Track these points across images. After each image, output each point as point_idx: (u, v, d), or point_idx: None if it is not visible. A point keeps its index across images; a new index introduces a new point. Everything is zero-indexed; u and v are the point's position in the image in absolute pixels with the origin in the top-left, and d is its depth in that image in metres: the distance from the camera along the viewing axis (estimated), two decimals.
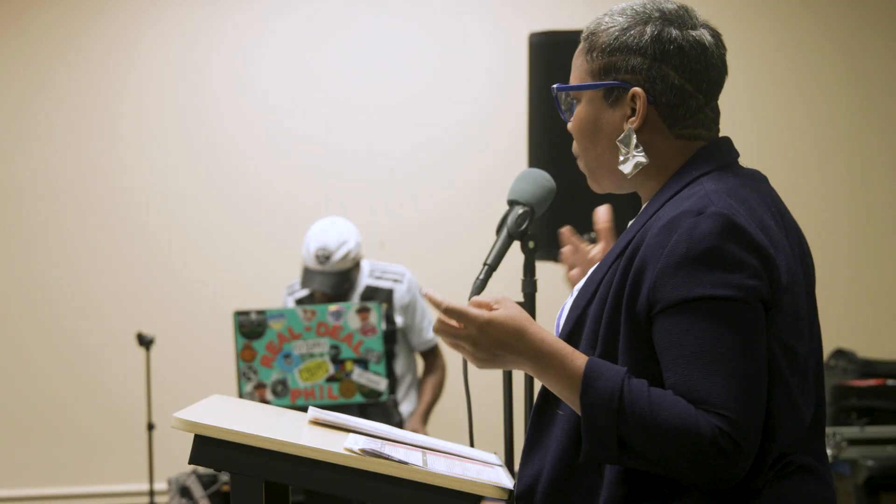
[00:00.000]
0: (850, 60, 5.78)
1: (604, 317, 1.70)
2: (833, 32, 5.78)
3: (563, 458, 1.72)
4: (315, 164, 5.65)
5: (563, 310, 1.90)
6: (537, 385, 2.00)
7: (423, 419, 4.55)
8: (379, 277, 4.55)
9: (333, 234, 4.42)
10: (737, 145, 1.96)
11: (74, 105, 5.63)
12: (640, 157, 1.77)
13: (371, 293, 4.49)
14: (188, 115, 5.66)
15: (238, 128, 5.66)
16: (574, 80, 1.84)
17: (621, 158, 1.78)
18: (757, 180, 1.82)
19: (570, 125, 1.86)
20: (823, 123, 5.76)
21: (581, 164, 1.88)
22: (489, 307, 1.71)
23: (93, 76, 5.65)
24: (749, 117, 5.60)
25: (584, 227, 3.29)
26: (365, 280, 4.53)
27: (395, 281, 4.54)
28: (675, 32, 1.76)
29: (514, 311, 1.70)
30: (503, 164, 5.13)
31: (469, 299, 1.91)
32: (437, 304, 1.71)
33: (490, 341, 1.69)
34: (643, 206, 1.84)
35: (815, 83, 5.76)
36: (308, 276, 4.41)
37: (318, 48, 5.70)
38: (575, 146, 1.88)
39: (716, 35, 1.81)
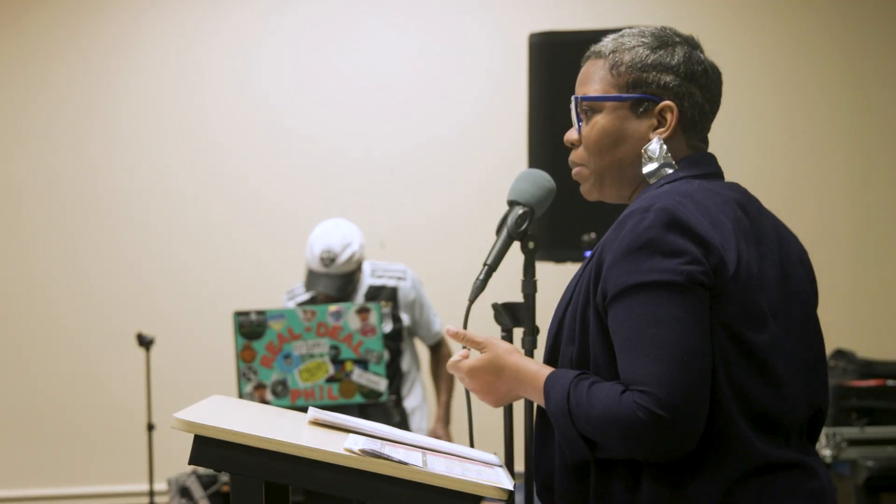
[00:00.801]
0: (850, 60, 5.78)
1: (577, 315, 1.84)
2: (833, 32, 5.78)
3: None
4: (315, 164, 5.65)
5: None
6: None
7: (446, 421, 4.66)
8: (381, 276, 4.55)
9: (337, 236, 4.42)
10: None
11: (74, 105, 5.63)
12: (668, 165, 1.90)
13: (375, 292, 4.49)
14: (188, 115, 5.66)
15: (238, 128, 5.66)
16: (594, 91, 1.94)
17: (646, 164, 1.90)
18: (731, 189, 1.91)
19: (581, 133, 1.95)
20: (823, 123, 5.76)
21: (585, 171, 1.96)
22: (466, 356, 1.95)
23: (93, 76, 5.65)
24: (749, 117, 5.60)
25: (584, 227, 3.29)
26: (367, 280, 4.53)
27: (399, 279, 4.55)
28: (701, 56, 1.95)
29: (493, 353, 1.91)
30: (503, 164, 5.13)
31: (469, 300, 2.04)
32: (455, 360, 1.95)
33: (480, 383, 1.92)
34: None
35: (815, 83, 5.76)
36: (313, 278, 4.41)
37: (319, 48, 5.70)
38: (580, 154, 1.96)
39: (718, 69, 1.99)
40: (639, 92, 1.91)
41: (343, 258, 4.39)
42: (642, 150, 1.90)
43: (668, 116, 1.90)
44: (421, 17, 5.74)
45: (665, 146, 1.90)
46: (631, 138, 1.91)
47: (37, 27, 5.64)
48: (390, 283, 4.53)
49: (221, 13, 5.69)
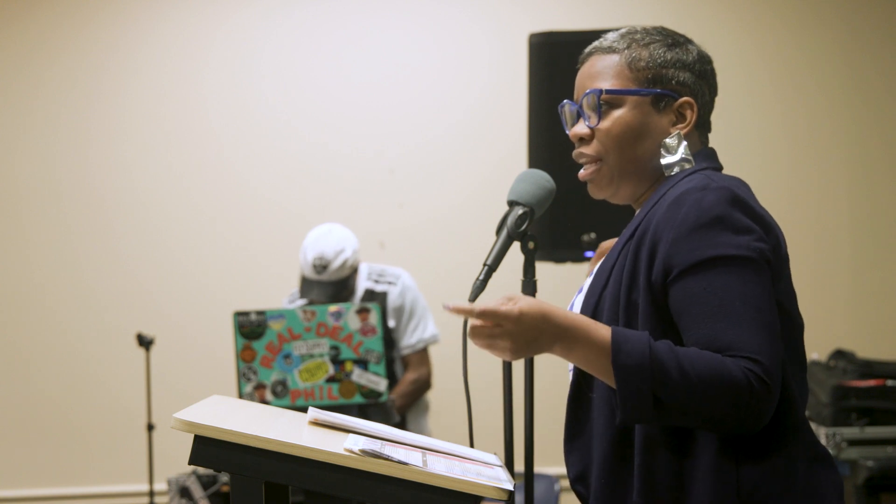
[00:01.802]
0: (850, 60, 5.78)
1: (621, 297, 1.82)
2: (833, 32, 5.78)
3: (611, 441, 1.82)
4: (315, 164, 5.65)
5: (572, 305, 2.00)
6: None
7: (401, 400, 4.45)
8: (376, 281, 4.54)
9: (331, 241, 4.41)
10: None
11: (74, 105, 5.63)
12: (687, 160, 1.92)
13: (369, 297, 4.48)
14: (188, 115, 5.66)
15: (238, 128, 5.66)
16: (610, 86, 1.95)
17: (665, 158, 1.93)
18: (743, 182, 1.94)
19: (601, 126, 1.95)
20: (823, 123, 5.76)
21: (603, 167, 1.96)
22: (514, 301, 1.76)
23: (93, 76, 5.65)
24: (749, 117, 5.60)
25: (584, 227, 3.29)
26: (363, 283, 4.52)
27: (390, 284, 4.53)
28: (708, 55, 2.01)
29: (532, 299, 1.77)
30: (503, 165, 5.13)
31: (469, 300, 1.99)
32: (468, 312, 1.76)
33: (525, 330, 1.74)
34: (646, 200, 1.97)
35: (815, 83, 5.76)
36: (306, 286, 4.41)
37: (318, 48, 5.70)
38: (597, 148, 1.96)
39: None
40: (660, 88, 1.95)
41: (336, 265, 4.38)
42: (662, 145, 1.94)
43: (688, 113, 1.95)
44: (421, 16, 5.74)
45: (685, 141, 1.93)
46: (653, 133, 1.94)
47: (37, 27, 5.64)
48: (382, 288, 4.52)
49: (221, 13, 5.69)
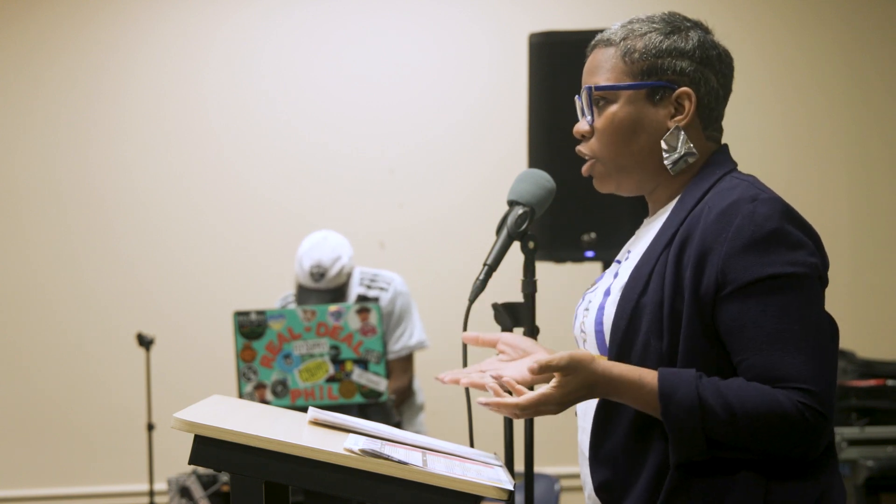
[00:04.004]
0: (850, 60, 5.78)
1: (665, 305, 1.77)
2: (833, 32, 5.78)
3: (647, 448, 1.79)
4: (315, 164, 5.65)
5: (579, 306, 1.95)
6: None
7: None
8: (368, 286, 4.53)
9: (327, 249, 4.41)
10: (737, 145, 2.03)
11: (74, 105, 5.63)
12: (690, 153, 1.87)
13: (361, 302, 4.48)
14: (188, 115, 5.66)
15: (238, 128, 5.66)
16: (606, 80, 1.90)
17: (668, 155, 1.87)
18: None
19: (593, 124, 1.91)
20: (823, 123, 5.76)
21: (600, 166, 1.93)
22: (554, 372, 1.74)
23: (93, 76, 5.65)
24: (749, 117, 5.60)
25: (584, 227, 3.29)
26: (356, 289, 4.52)
27: (382, 290, 4.53)
28: (714, 40, 1.92)
29: (576, 369, 1.73)
30: (503, 165, 5.13)
31: (469, 300, 2.01)
32: (514, 409, 1.75)
33: (570, 399, 1.75)
34: (665, 205, 1.91)
35: (815, 83, 5.76)
36: (304, 294, 4.41)
37: (318, 48, 5.70)
38: (593, 146, 1.92)
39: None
40: (654, 79, 1.87)
41: (333, 272, 4.38)
42: (662, 140, 1.87)
43: (686, 103, 1.87)
44: (421, 16, 5.74)
45: (684, 134, 1.87)
46: (648, 127, 1.88)
47: (37, 27, 5.64)
48: (373, 293, 4.51)
49: (221, 13, 5.69)
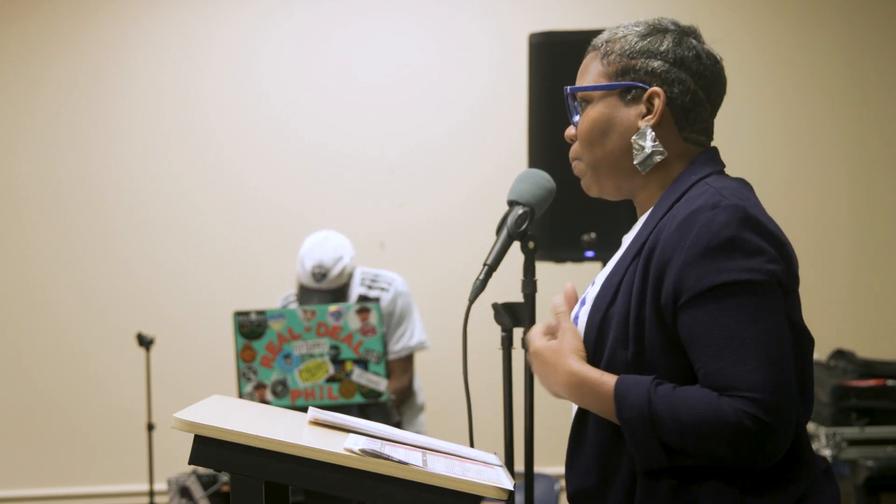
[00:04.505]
0: (850, 60, 5.78)
1: (631, 315, 1.78)
2: (833, 32, 5.78)
3: (616, 462, 1.81)
4: (315, 164, 5.65)
5: (576, 316, 1.95)
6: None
7: None
8: (370, 286, 4.53)
9: (328, 249, 4.40)
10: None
11: (74, 105, 5.63)
12: (658, 152, 1.87)
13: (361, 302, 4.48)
14: (188, 115, 5.66)
15: (238, 128, 5.66)
16: (587, 83, 1.93)
17: (636, 154, 1.87)
18: (747, 185, 1.89)
19: (577, 127, 1.93)
20: (823, 123, 5.76)
21: (582, 166, 1.96)
22: (552, 335, 1.89)
23: (93, 76, 5.65)
24: (749, 117, 5.60)
25: (584, 227, 3.29)
26: (357, 289, 4.52)
27: (383, 290, 4.53)
28: (693, 42, 1.91)
29: (558, 343, 1.85)
30: (503, 165, 5.13)
31: (469, 300, 2.02)
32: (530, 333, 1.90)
33: (538, 369, 1.87)
34: (648, 210, 1.91)
35: (815, 83, 5.76)
36: (305, 294, 4.41)
37: (318, 48, 5.70)
38: (576, 148, 1.95)
39: (719, 56, 1.95)
40: (627, 79, 1.88)
41: (335, 272, 4.38)
42: (631, 139, 1.87)
43: (656, 102, 1.87)
44: (421, 17, 5.74)
45: (653, 133, 1.86)
46: (620, 127, 1.88)
47: (37, 27, 5.64)
48: (374, 294, 4.51)
49: (221, 13, 5.69)
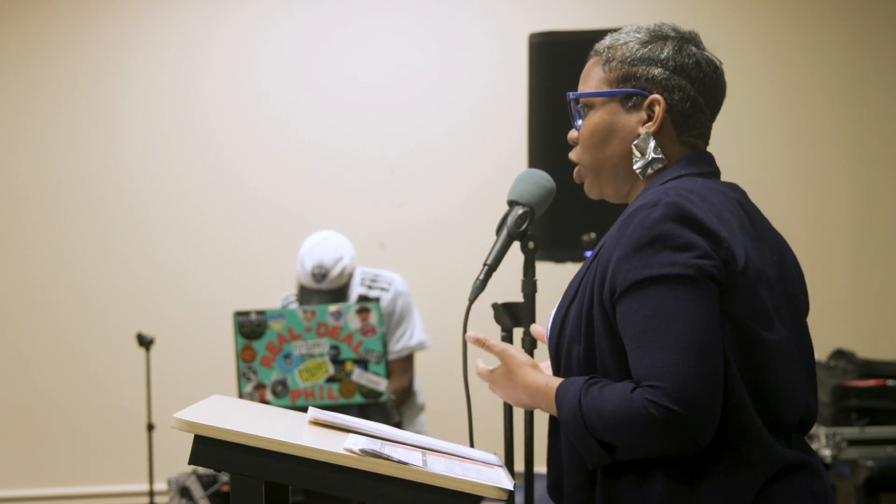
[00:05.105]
0: (850, 60, 5.78)
1: (583, 313, 1.82)
2: (833, 32, 5.78)
3: (579, 462, 1.84)
4: (315, 164, 5.65)
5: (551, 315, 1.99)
6: None
7: None
8: (370, 286, 4.53)
9: (328, 249, 4.40)
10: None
11: (74, 105, 5.63)
12: (658, 160, 1.90)
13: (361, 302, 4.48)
14: (188, 115, 5.66)
15: (238, 128, 5.66)
16: (588, 89, 1.96)
17: (636, 160, 1.90)
18: (731, 189, 1.91)
19: (578, 132, 1.96)
20: (823, 123, 5.76)
21: (583, 170, 1.98)
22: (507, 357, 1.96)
23: (93, 76, 5.65)
24: (749, 118, 5.60)
25: (584, 227, 3.29)
26: (357, 289, 4.52)
27: (383, 290, 4.52)
28: (693, 49, 1.93)
29: (503, 365, 1.94)
30: (503, 165, 5.13)
31: (469, 300, 2.04)
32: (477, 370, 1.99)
33: (501, 392, 1.95)
34: None
35: (815, 83, 5.76)
36: (305, 294, 4.41)
37: (318, 48, 5.70)
38: (577, 152, 1.98)
39: (718, 61, 1.97)
40: (628, 86, 1.91)
41: (335, 273, 4.37)
42: (632, 145, 1.90)
43: (656, 109, 1.90)
44: (421, 17, 5.74)
45: (653, 140, 1.89)
46: (620, 133, 1.91)
47: (37, 27, 5.64)
48: (374, 294, 4.50)
49: (221, 13, 5.69)
